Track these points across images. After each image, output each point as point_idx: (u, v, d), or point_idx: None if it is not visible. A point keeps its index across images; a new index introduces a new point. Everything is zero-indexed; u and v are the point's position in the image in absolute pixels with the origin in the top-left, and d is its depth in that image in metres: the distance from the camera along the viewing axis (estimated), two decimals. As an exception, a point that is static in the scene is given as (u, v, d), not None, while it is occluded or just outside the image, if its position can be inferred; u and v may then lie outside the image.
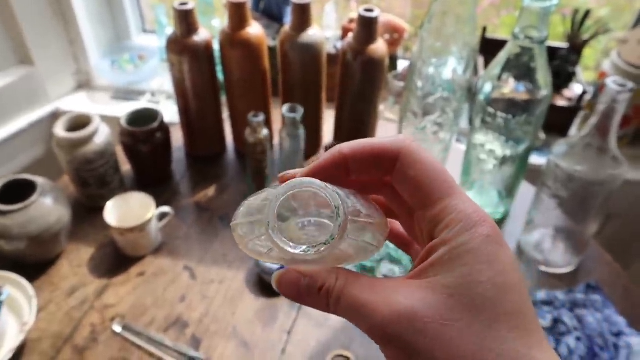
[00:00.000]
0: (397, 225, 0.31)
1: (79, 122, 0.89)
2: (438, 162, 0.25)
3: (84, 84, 1.42)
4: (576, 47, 1.17)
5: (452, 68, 0.83)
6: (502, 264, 0.23)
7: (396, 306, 0.22)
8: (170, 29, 1.36)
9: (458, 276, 0.22)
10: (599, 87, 1.17)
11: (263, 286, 0.83)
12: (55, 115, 1.32)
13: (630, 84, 0.67)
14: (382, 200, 0.30)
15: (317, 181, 0.23)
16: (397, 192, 0.27)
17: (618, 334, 0.74)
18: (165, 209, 0.89)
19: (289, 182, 0.23)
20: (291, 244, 0.23)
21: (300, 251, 0.23)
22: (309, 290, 0.24)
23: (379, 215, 0.27)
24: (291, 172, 0.28)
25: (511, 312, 0.22)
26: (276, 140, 1.06)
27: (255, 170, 0.92)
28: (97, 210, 0.89)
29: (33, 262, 0.84)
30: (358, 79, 0.91)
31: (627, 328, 0.75)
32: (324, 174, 0.26)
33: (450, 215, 0.24)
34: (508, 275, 0.22)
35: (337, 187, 0.24)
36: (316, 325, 0.78)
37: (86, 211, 0.94)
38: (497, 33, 1.71)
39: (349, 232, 0.23)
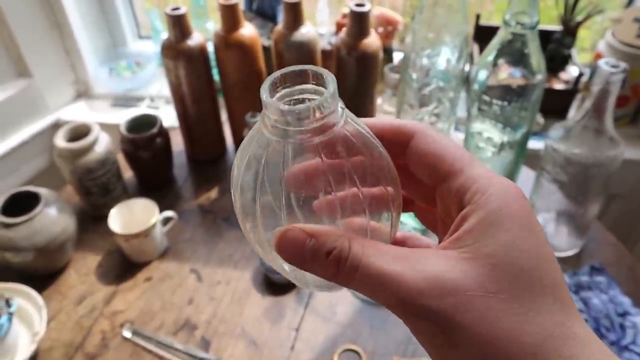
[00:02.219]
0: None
1: (79, 132, 0.90)
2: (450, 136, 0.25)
3: (83, 92, 1.42)
4: (570, 29, 1.17)
5: (445, 58, 0.83)
6: (539, 232, 0.22)
7: (433, 278, 0.21)
8: (165, 34, 1.36)
9: (501, 243, 0.21)
10: (595, 69, 1.17)
11: (269, 285, 0.84)
12: (56, 126, 1.33)
13: (623, 65, 0.67)
14: None
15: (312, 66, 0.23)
16: (409, 176, 0.26)
17: (624, 314, 0.74)
18: (169, 213, 0.90)
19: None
20: (284, 105, 0.21)
21: (296, 110, 0.21)
22: (315, 254, 0.22)
23: (389, 163, 0.25)
24: None
25: (551, 284, 0.21)
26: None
27: (256, 170, 0.92)
28: (102, 218, 0.90)
29: (41, 272, 0.86)
30: (353, 74, 0.91)
31: (633, 308, 0.75)
32: None
33: (478, 181, 0.23)
34: (546, 246, 0.22)
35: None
36: (323, 321, 0.79)
37: (91, 219, 0.95)
38: (492, 19, 1.71)
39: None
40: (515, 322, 0.20)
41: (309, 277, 0.25)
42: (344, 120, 0.22)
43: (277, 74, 0.23)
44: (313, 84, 0.23)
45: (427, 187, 0.27)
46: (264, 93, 0.22)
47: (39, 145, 1.32)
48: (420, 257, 0.22)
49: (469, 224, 0.22)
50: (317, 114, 0.21)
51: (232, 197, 0.25)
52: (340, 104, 0.23)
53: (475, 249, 0.21)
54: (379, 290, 0.21)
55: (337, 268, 0.22)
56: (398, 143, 0.25)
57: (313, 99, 0.23)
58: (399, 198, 0.25)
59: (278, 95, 0.23)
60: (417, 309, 0.21)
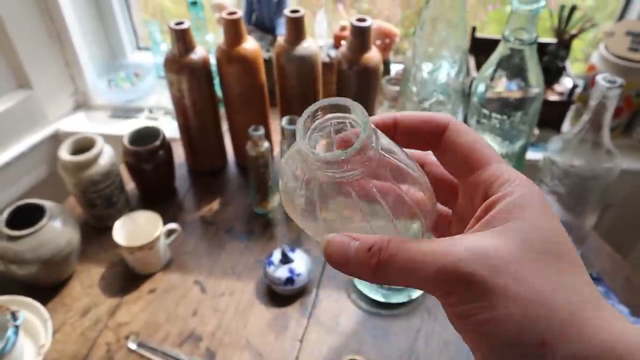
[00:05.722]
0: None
1: (83, 145, 0.91)
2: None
3: (82, 104, 1.43)
4: (564, 42, 1.19)
5: (445, 72, 0.85)
6: (556, 217, 0.25)
7: (472, 247, 0.23)
8: (164, 45, 1.37)
9: (527, 221, 0.23)
10: (589, 81, 1.19)
11: (272, 296, 0.85)
12: (55, 137, 1.34)
13: (620, 80, 0.69)
14: None
15: (349, 100, 0.23)
16: (430, 173, 0.29)
17: (622, 323, 0.76)
18: (173, 225, 0.91)
19: (321, 100, 0.24)
20: (316, 150, 0.23)
21: (325, 154, 0.23)
22: (357, 252, 0.24)
23: (424, 178, 0.27)
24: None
25: (573, 257, 0.23)
26: (276, 152, 1.07)
27: (258, 183, 0.94)
28: (105, 229, 0.91)
29: (45, 284, 0.86)
30: (354, 88, 0.93)
31: (630, 317, 0.76)
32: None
33: (505, 173, 0.25)
34: (563, 228, 0.24)
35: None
36: (327, 332, 0.80)
37: (94, 231, 0.95)
38: (485, 30, 1.73)
39: (386, 172, 0.24)
40: (544, 285, 0.22)
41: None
42: (378, 153, 0.23)
43: (312, 109, 0.24)
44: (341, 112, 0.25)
45: (447, 185, 0.29)
46: (303, 145, 0.23)
47: (39, 156, 1.32)
48: (453, 238, 0.24)
49: (497, 209, 0.24)
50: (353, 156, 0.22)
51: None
52: (373, 136, 0.23)
53: (505, 228, 0.23)
54: (413, 270, 0.23)
55: (378, 258, 0.24)
56: (430, 135, 0.27)
57: (346, 122, 0.25)
58: (433, 211, 0.28)
59: (314, 124, 0.24)
60: (457, 275, 0.22)
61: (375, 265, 0.24)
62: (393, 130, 0.27)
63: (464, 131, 0.27)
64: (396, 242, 0.24)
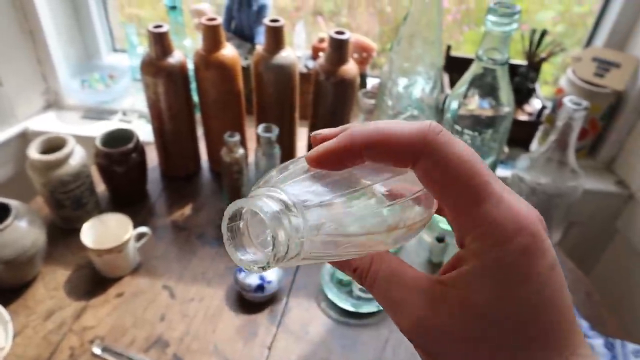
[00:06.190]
0: None
1: (54, 144, 0.89)
2: (470, 155, 0.22)
3: (53, 103, 1.40)
4: (534, 65, 1.23)
5: (420, 88, 0.87)
6: (537, 280, 0.21)
7: (424, 318, 0.22)
8: (141, 48, 1.36)
9: (489, 295, 0.21)
10: (557, 103, 1.23)
11: (242, 303, 0.84)
12: (24, 135, 1.31)
13: (585, 103, 0.72)
14: None
15: (265, 204, 0.21)
16: None
17: (582, 338, 0.78)
18: (143, 229, 0.90)
19: (234, 202, 0.23)
20: (241, 256, 0.23)
21: (249, 261, 0.23)
22: (347, 269, 0.27)
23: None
24: (324, 132, 0.25)
25: (543, 331, 0.21)
26: (251, 158, 1.08)
27: (232, 189, 0.93)
28: (73, 231, 0.89)
29: (7, 286, 0.84)
30: (330, 99, 0.94)
31: (590, 331, 0.79)
32: (335, 157, 0.23)
33: (481, 226, 0.21)
34: (543, 292, 0.21)
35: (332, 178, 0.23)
36: (296, 340, 0.80)
37: (61, 233, 0.94)
38: (460, 49, 1.77)
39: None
40: None
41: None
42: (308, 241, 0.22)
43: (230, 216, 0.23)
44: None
45: None
46: (224, 235, 0.24)
47: (5, 154, 1.29)
48: (419, 290, 0.23)
49: (463, 269, 0.22)
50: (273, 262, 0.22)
51: None
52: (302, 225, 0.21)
53: (465, 296, 0.22)
54: (385, 309, 0.25)
55: (361, 279, 0.26)
56: (404, 160, 0.23)
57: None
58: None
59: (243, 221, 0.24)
60: (411, 339, 0.24)
61: (361, 284, 0.26)
62: (361, 160, 0.23)
63: (443, 160, 0.22)
64: (372, 277, 0.25)
